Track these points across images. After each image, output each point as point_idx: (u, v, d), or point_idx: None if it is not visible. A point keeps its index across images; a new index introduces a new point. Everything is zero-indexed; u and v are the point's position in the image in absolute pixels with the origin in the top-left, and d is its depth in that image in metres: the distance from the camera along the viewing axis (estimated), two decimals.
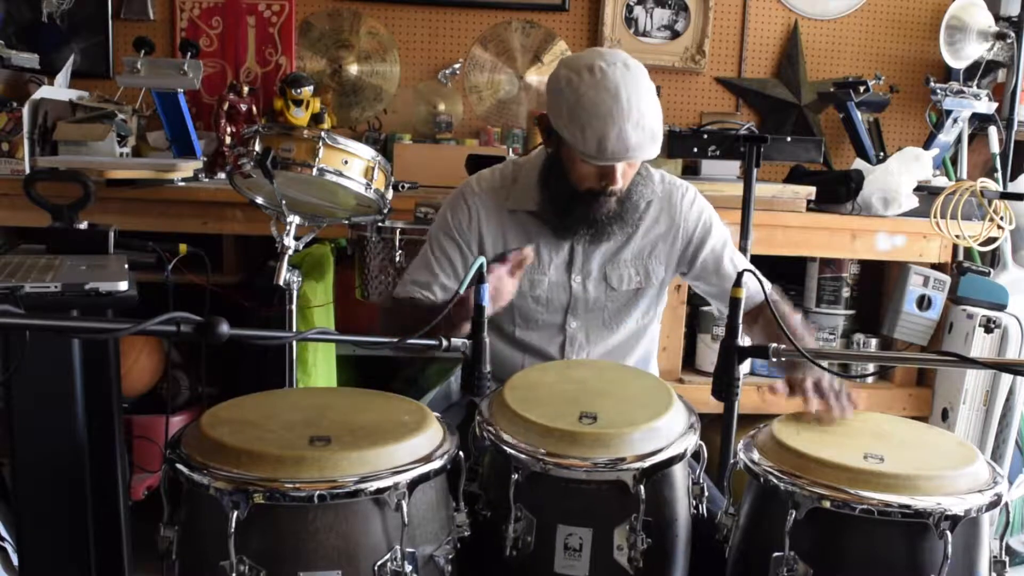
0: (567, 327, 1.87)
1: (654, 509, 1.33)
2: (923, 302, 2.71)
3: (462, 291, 1.42)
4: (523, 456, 1.33)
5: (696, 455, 1.43)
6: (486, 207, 1.84)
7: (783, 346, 1.39)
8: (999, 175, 3.06)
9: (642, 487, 1.30)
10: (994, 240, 2.61)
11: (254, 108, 3.07)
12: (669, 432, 1.39)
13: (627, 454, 1.32)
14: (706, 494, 1.45)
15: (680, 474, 1.41)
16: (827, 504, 1.24)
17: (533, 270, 1.83)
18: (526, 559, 1.34)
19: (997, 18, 3.16)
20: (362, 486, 1.21)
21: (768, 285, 1.56)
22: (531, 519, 1.33)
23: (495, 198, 1.84)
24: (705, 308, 2.75)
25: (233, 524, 1.18)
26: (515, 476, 1.32)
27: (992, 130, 3.11)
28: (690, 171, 2.79)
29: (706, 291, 1.94)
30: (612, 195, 1.70)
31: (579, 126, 1.61)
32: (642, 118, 1.60)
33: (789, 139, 2.45)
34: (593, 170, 1.68)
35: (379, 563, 1.23)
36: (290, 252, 2.03)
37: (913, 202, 2.71)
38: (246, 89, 3.07)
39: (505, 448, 1.35)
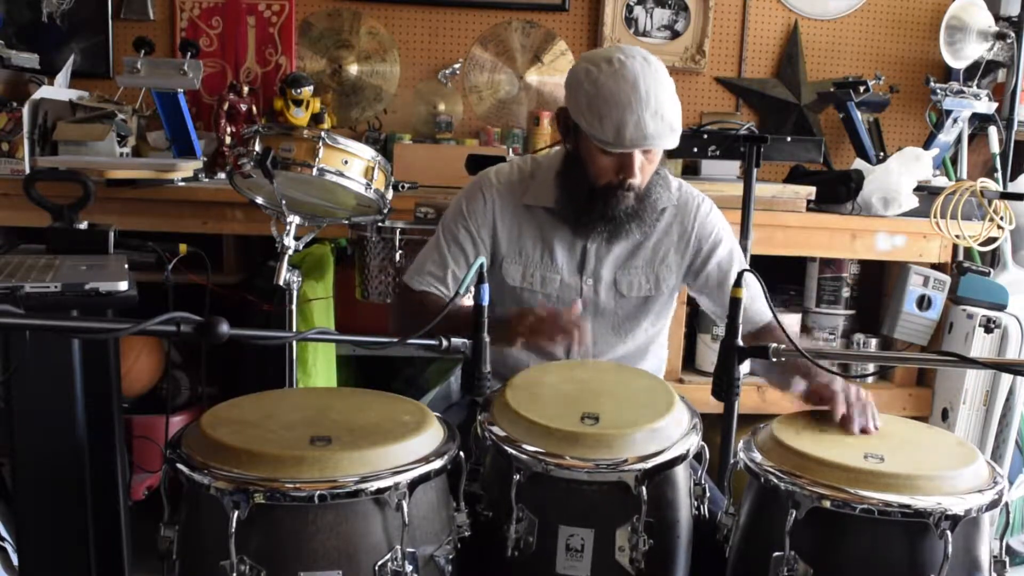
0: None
1: (656, 510, 1.33)
2: (923, 302, 2.71)
3: (462, 291, 1.41)
4: (525, 457, 1.33)
5: (698, 456, 1.43)
6: (503, 200, 1.83)
7: (783, 346, 1.39)
8: (999, 175, 3.06)
9: (644, 488, 1.30)
10: (994, 240, 2.61)
11: (254, 108, 3.07)
12: (671, 433, 1.39)
13: (629, 455, 1.32)
14: (707, 495, 1.45)
15: (682, 475, 1.41)
16: (827, 504, 1.24)
17: (545, 268, 1.83)
18: (528, 560, 1.33)
19: (997, 18, 3.16)
20: (362, 486, 1.21)
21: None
22: (533, 519, 1.33)
23: (512, 192, 1.84)
24: None
25: (234, 524, 1.18)
26: (517, 476, 1.32)
27: (992, 130, 3.11)
28: (690, 171, 2.79)
29: (709, 307, 1.92)
30: (630, 189, 1.70)
31: (597, 115, 1.62)
32: (660, 108, 1.60)
33: (789, 139, 2.45)
34: (611, 163, 1.68)
35: (379, 563, 1.23)
36: (290, 252, 2.03)
37: (913, 202, 2.71)
38: (246, 89, 3.07)
39: (507, 448, 1.35)
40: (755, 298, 1.72)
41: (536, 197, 1.82)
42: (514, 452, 1.34)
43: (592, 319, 1.85)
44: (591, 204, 1.73)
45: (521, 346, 1.66)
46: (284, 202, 1.99)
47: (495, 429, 1.40)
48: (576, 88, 1.67)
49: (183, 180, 2.62)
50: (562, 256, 1.83)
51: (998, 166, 3.08)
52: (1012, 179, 3.12)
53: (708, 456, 1.45)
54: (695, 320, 2.79)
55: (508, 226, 1.83)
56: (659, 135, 1.62)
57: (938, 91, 3.03)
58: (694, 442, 1.40)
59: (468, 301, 1.47)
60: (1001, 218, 2.59)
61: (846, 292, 2.86)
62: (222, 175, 2.77)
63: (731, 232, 1.91)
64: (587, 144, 1.68)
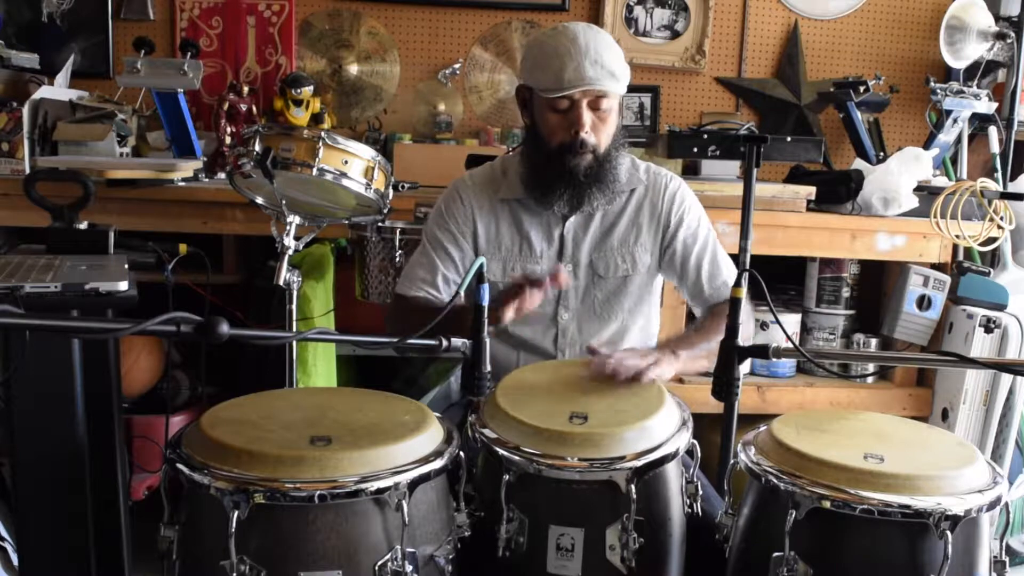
0: (559, 319, 1.88)
1: (646, 508, 1.33)
2: (923, 302, 2.71)
3: (462, 292, 1.42)
4: (514, 457, 1.33)
5: (690, 453, 1.43)
6: (479, 199, 1.88)
7: (784, 346, 1.39)
8: (999, 175, 3.06)
9: (633, 487, 1.30)
10: (994, 240, 2.61)
11: (254, 108, 3.06)
12: (661, 431, 1.39)
13: (618, 454, 1.33)
14: (700, 493, 1.45)
15: (673, 473, 1.41)
16: (827, 504, 1.24)
17: (525, 259, 1.87)
18: (519, 559, 1.34)
19: (997, 18, 3.16)
20: (362, 486, 1.21)
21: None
22: (523, 519, 1.34)
23: (487, 190, 1.89)
24: None
25: (233, 524, 1.18)
26: (507, 477, 1.32)
27: (992, 130, 3.11)
28: (690, 171, 2.78)
29: (678, 286, 1.95)
30: (584, 147, 1.74)
31: (541, 68, 1.73)
32: (600, 58, 1.69)
33: (789, 139, 2.45)
34: (561, 120, 1.74)
35: (379, 563, 1.23)
36: (290, 252, 2.03)
37: (913, 202, 2.71)
38: (246, 89, 3.07)
39: (496, 449, 1.35)
40: (724, 281, 1.87)
41: (509, 191, 1.87)
42: (504, 453, 1.34)
43: (574, 306, 1.88)
44: (548, 165, 1.78)
45: (509, 320, 1.66)
46: (284, 202, 1.99)
47: (485, 431, 1.40)
48: (526, 57, 1.81)
49: (183, 180, 2.62)
50: (540, 246, 1.87)
51: (998, 166, 3.08)
52: (1012, 179, 3.12)
53: (700, 453, 1.45)
54: (695, 320, 2.78)
55: (486, 223, 1.87)
56: (598, 79, 1.69)
57: (938, 91, 3.03)
58: (684, 439, 1.40)
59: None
60: (1001, 218, 2.59)
61: (846, 292, 2.85)
62: (222, 175, 2.77)
63: (701, 210, 1.94)
64: (540, 106, 1.76)
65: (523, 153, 1.86)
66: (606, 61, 1.69)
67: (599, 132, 1.75)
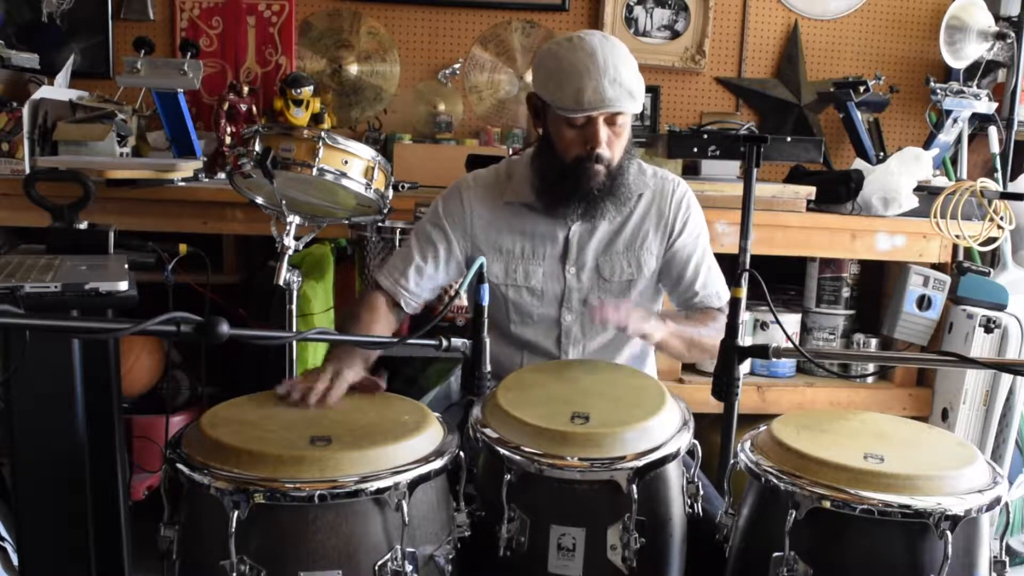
0: (562, 320, 1.88)
1: (647, 508, 1.33)
2: (923, 302, 2.71)
3: (462, 292, 1.42)
4: (515, 457, 1.33)
5: (691, 453, 1.43)
6: (481, 200, 1.87)
7: (784, 346, 1.39)
8: (999, 175, 3.06)
9: (635, 487, 1.30)
10: (994, 240, 2.61)
11: (254, 108, 3.07)
12: (662, 431, 1.39)
13: (619, 454, 1.33)
14: (701, 493, 1.45)
15: (674, 473, 1.41)
16: (827, 504, 1.24)
17: (528, 261, 1.86)
18: (520, 559, 1.34)
19: (997, 18, 3.16)
20: (362, 486, 1.21)
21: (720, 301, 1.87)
22: (524, 519, 1.34)
23: (491, 192, 1.88)
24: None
25: (233, 524, 1.18)
26: (508, 476, 1.32)
27: (992, 130, 3.11)
28: (690, 171, 2.78)
29: (664, 288, 1.95)
30: (599, 162, 1.73)
31: (558, 85, 1.69)
32: (618, 75, 1.67)
33: (789, 139, 2.45)
34: (577, 135, 1.72)
35: (379, 563, 1.23)
36: (290, 252, 2.03)
37: (913, 202, 2.71)
38: (246, 89, 3.07)
39: (498, 449, 1.35)
40: (716, 291, 1.90)
41: (514, 194, 1.86)
42: (505, 452, 1.34)
43: (577, 307, 1.88)
44: (563, 180, 1.77)
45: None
46: (284, 202, 1.99)
47: (486, 430, 1.40)
48: (540, 67, 1.75)
49: (183, 180, 2.62)
50: (545, 248, 1.86)
51: (998, 166, 3.08)
52: (1012, 179, 3.12)
53: (701, 453, 1.45)
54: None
55: (486, 225, 1.86)
56: (617, 99, 1.67)
57: (938, 91, 3.03)
58: (685, 440, 1.41)
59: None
60: (1001, 218, 2.59)
61: (846, 292, 2.85)
62: (222, 175, 2.77)
63: (703, 218, 1.94)
64: (555, 119, 1.74)
65: (535, 161, 1.83)
66: (624, 79, 1.67)
67: (613, 146, 1.74)
